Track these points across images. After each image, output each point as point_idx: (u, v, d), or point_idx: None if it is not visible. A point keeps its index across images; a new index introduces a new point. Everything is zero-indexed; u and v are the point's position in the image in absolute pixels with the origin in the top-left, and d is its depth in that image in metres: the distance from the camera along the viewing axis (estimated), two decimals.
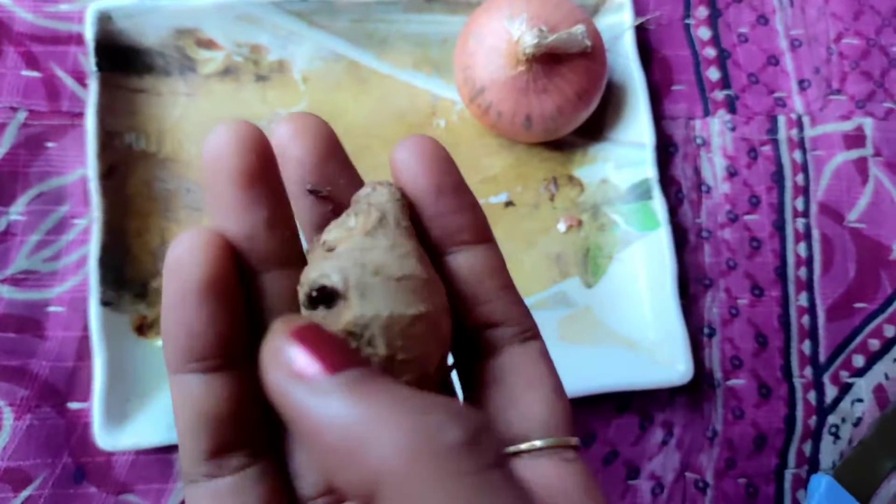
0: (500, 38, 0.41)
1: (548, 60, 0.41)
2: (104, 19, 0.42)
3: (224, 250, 0.19)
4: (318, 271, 0.19)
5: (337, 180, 0.21)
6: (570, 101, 0.42)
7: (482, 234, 0.22)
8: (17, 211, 0.42)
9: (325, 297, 0.19)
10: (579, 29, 0.41)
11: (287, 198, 0.21)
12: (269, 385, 0.17)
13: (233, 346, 0.20)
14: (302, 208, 0.22)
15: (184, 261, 0.19)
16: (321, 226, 0.21)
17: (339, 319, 0.18)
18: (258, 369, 0.17)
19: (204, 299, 0.19)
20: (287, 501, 0.21)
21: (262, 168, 0.20)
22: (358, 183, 0.22)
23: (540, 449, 0.21)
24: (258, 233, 0.20)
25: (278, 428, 0.21)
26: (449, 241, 0.21)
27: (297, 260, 0.21)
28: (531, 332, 0.22)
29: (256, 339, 0.20)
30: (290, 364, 0.16)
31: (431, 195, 0.21)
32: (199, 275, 0.19)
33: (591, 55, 0.42)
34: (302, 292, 0.19)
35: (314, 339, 0.17)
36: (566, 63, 0.41)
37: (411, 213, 0.21)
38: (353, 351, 0.18)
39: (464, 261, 0.21)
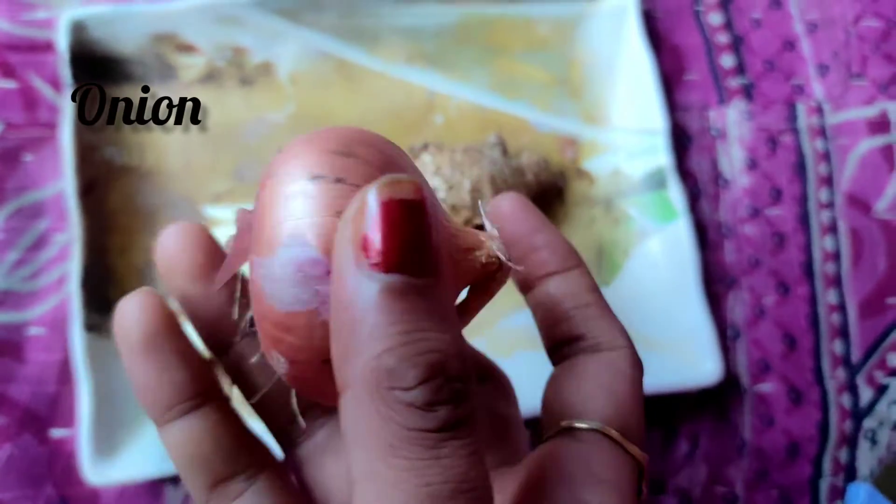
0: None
1: None
2: (78, 29, 0.41)
3: (160, 306, 0.22)
4: None
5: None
6: None
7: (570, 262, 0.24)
8: None
9: None
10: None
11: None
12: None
13: (196, 386, 0.22)
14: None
15: (124, 323, 0.21)
16: None
17: None
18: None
19: (145, 355, 0.21)
20: (305, 500, 0.23)
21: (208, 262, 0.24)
22: None
23: (580, 429, 0.21)
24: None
25: (286, 433, 0.24)
26: (541, 270, 0.24)
27: None
28: (610, 345, 0.23)
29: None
30: (356, 239, 0.15)
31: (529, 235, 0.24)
32: (136, 334, 0.21)
33: None
34: None
35: (399, 219, 0.16)
36: None
37: None
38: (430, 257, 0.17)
39: (553, 287, 0.24)
